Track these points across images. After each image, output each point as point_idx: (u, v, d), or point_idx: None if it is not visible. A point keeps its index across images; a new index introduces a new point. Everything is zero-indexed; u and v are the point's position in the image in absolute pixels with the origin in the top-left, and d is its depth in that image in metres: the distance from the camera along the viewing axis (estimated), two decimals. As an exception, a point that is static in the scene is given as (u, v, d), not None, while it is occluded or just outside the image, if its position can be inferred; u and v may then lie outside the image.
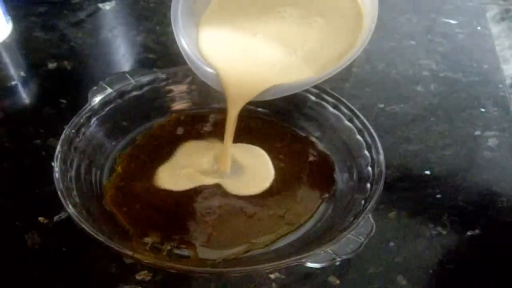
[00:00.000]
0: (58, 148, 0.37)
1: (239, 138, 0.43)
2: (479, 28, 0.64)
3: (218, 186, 0.40)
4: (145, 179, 0.41)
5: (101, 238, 0.32)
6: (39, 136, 0.46)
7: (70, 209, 0.33)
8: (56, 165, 0.36)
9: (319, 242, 0.33)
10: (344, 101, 0.43)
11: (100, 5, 0.66)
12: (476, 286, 0.37)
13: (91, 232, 0.32)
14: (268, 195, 0.40)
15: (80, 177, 0.38)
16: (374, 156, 0.39)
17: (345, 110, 0.43)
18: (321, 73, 0.36)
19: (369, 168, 0.39)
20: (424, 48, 0.60)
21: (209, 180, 0.40)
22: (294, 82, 0.37)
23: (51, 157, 0.37)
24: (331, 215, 0.39)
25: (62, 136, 0.38)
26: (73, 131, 0.39)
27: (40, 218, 0.39)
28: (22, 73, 0.55)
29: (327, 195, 0.40)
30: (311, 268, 0.33)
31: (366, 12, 0.37)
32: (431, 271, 0.37)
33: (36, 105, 0.51)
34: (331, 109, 0.44)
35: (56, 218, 0.39)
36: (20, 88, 0.53)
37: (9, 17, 0.60)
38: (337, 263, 0.36)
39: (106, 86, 0.43)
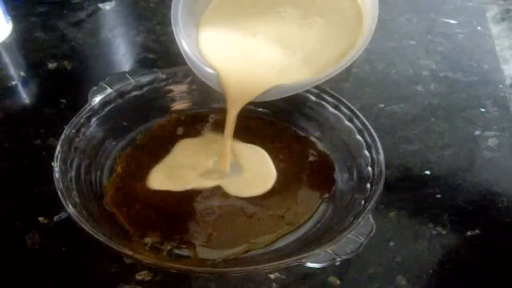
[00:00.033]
0: (58, 148, 0.37)
1: (239, 137, 0.43)
2: (479, 28, 0.64)
3: (218, 187, 0.40)
4: (145, 179, 0.40)
5: (101, 238, 0.32)
6: (39, 136, 0.46)
7: (70, 209, 0.33)
8: (56, 165, 0.36)
9: (319, 242, 0.33)
10: (344, 101, 0.43)
11: (100, 5, 0.66)
12: (476, 286, 0.37)
13: (91, 232, 0.32)
14: (268, 195, 0.40)
15: (80, 177, 0.38)
16: (374, 156, 0.39)
17: (345, 110, 0.43)
18: (321, 73, 0.36)
19: (369, 168, 0.39)
20: (424, 48, 0.60)
21: (208, 183, 0.40)
22: (294, 83, 0.37)
23: (51, 157, 0.37)
24: (331, 215, 0.39)
25: (62, 136, 0.38)
26: (73, 131, 0.39)
27: (40, 218, 0.39)
28: (22, 73, 0.55)
29: (327, 195, 0.40)
30: (311, 268, 0.33)
31: (366, 12, 0.37)
32: (431, 271, 0.37)
33: (36, 105, 0.51)
34: (331, 109, 0.44)
35: (56, 218, 0.39)
36: (20, 88, 0.53)
37: (9, 17, 0.60)
38: (337, 263, 0.36)
39: (106, 86, 0.43)
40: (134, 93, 0.44)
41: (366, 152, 0.40)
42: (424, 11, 0.67)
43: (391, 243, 0.38)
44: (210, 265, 0.35)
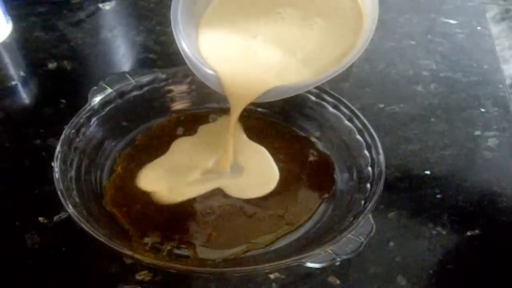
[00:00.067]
0: (58, 148, 0.37)
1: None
2: (479, 28, 0.64)
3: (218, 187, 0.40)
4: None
5: (101, 238, 0.32)
6: (39, 136, 0.46)
7: (70, 209, 0.33)
8: (56, 165, 0.36)
9: (319, 242, 0.33)
10: (344, 101, 0.43)
11: (100, 5, 0.66)
12: (476, 286, 0.37)
13: (91, 232, 0.32)
14: (268, 195, 0.40)
15: (80, 177, 0.38)
16: (374, 156, 0.39)
17: (345, 110, 0.43)
18: (322, 74, 0.36)
19: (369, 168, 0.39)
20: (424, 48, 0.60)
21: (208, 186, 0.40)
22: (295, 83, 0.37)
23: (51, 157, 0.37)
24: (331, 215, 0.39)
25: (62, 136, 0.38)
26: (73, 131, 0.39)
27: (40, 218, 0.39)
28: (22, 73, 0.55)
29: (327, 195, 0.40)
30: (311, 268, 0.33)
31: (366, 12, 0.37)
32: (431, 271, 0.37)
33: (36, 105, 0.51)
34: (331, 109, 0.44)
35: (56, 218, 0.39)
36: (20, 88, 0.53)
37: (9, 17, 0.60)
38: (337, 263, 0.36)
39: (106, 86, 0.43)
40: (134, 93, 0.44)
41: (366, 152, 0.40)
42: (424, 11, 0.67)
43: (391, 243, 0.38)
44: (210, 265, 0.35)
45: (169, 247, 0.35)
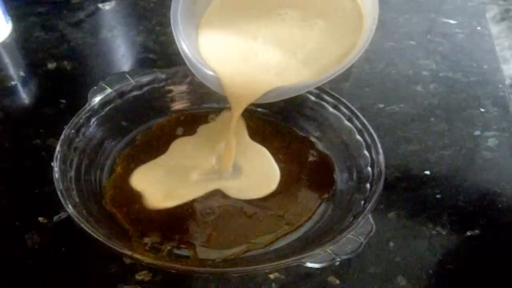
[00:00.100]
0: (58, 148, 0.37)
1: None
2: (479, 28, 0.64)
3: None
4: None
5: (101, 238, 0.32)
6: (39, 136, 0.46)
7: (70, 209, 0.33)
8: (55, 165, 0.36)
9: (319, 242, 0.33)
10: (344, 101, 0.43)
11: (100, 5, 0.66)
12: (476, 286, 0.37)
13: (91, 232, 0.32)
14: (268, 195, 0.40)
15: (80, 177, 0.38)
16: (374, 156, 0.39)
17: (345, 110, 0.43)
18: (322, 75, 0.36)
19: (369, 168, 0.39)
20: (424, 48, 0.60)
21: (207, 188, 0.40)
22: (295, 84, 0.37)
23: (51, 157, 0.37)
24: (330, 215, 0.39)
25: (62, 136, 0.38)
26: (72, 131, 0.39)
27: (40, 218, 0.39)
28: (22, 73, 0.55)
29: (326, 195, 0.40)
30: (311, 268, 0.33)
31: (366, 13, 0.37)
32: (431, 271, 0.37)
33: (35, 105, 0.51)
34: (330, 109, 0.44)
35: (56, 218, 0.39)
36: (20, 88, 0.53)
37: (9, 17, 0.60)
38: (337, 263, 0.36)
39: (106, 86, 0.43)
40: (134, 93, 0.44)
41: (365, 152, 0.40)
42: (423, 11, 0.67)
43: (391, 243, 0.38)
44: (210, 265, 0.35)
45: (169, 247, 0.35)
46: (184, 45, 0.38)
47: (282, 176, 0.41)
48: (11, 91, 0.52)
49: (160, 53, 0.58)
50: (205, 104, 0.47)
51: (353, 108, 0.42)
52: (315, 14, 0.39)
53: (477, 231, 0.39)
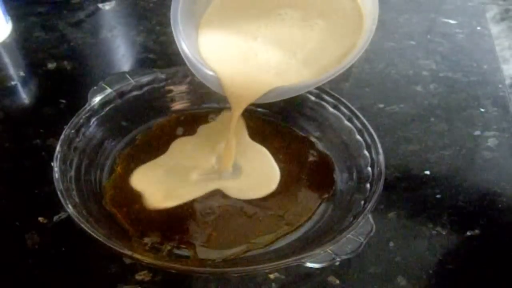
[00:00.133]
0: (58, 148, 0.37)
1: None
2: (478, 28, 0.64)
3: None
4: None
5: (101, 238, 0.32)
6: (39, 136, 0.46)
7: (70, 209, 0.33)
8: (55, 165, 0.36)
9: (319, 242, 0.33)
10: (344, 101, 0.43)
11: (100, 5, 0.66)
12: (476, 286, 0.37)
13: (91, 232, 0.32)
14: (268, 195, 0.40)
15: (79, 177, 0.38)
16: (374, 156, 0.39)
17: (345, 110, 0.43)
18: (322, 75, 0.36)
19: (369, 168, 0.39)
20: (424, 48, 0.60)
21: (207, 188, 0.40)
22: (296, 84, 0.37)
23: (51, 157, 0.37)
24: (330, 215, 0.39)
25: (62, 136, 0.38)
26: (72, 131, 0.39)
27: (40, 218, 0.39)
28: (22, 73, 0.55)
29: (326, 195, 0.40)
30: (311, 268, 0.33)
31: (366, 13, 0.37)
32: (430, 271, 0.37)
33: (35, 105, 0.51)
34: (330, 109, 0.44)
35: (55, 218, 0.39)
36: (20, 88, 0.53)
37: (9, 17, 0.60)
38: (337, 263, 0.36)
39: (106, 86, 0.43)
40: (134, 93, 0.44)
41: (365, 152, 0.40)
42: (423, 11, 0.67)
43: (391, 243, 0.38)
44: (210, 265, 0.35)
45: (169, 247, 0.35)
46: (184, 45, 0.38)
47: (282, 176, 0.41)
48: (11, 91, 0.52)
49: (160, 53, 0.58)
50: (205, 104, 0.47)
51: (353, 108, 0.42)
52: (315, 14, 0.39)
53: (477, 231, 0.39)
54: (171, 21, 0.37)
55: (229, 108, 0.39)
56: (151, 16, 0.64)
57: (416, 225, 0.40)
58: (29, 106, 0.51)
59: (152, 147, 0.43)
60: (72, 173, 0.38)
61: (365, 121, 0.41)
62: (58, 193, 0.34)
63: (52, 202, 0.35)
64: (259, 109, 0.46)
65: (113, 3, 0.66)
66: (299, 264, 0.32)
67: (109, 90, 0.43)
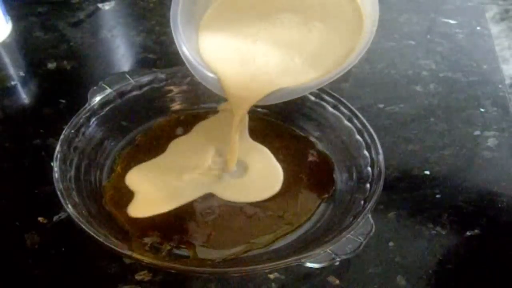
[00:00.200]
0: (58, 148, 0.37)
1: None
2: (478, 28, 0.64)
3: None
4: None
5: (100, 238, 0.32)
6: (39, 136, 0.46)
7: (70, 209, 0.33)
8: (55, 165, 0.36)
9: (319, 242, 0.33)
10: (344, 101, 0.43)
11: (100, 5, 0.66)
12: (476, 286, 0.37)
13: (91, 232, 0.32)
14: (268, 195, 0.40)
15: (79, 177, 0.38)
16: (374, 156, 0.39)
17: (345, 110, 0.43)
18: (322, 77, 0.36)
19: (369, 168, 0.39)
20: (424, 48, 0.60)
21: (202, 190, 0.40)
22: (296, 86, 0.37)
23: (50, 157, 0.37)
24: (330, 215, 0.39)
25: (62, 136, 0.38)
26: (72, 131, 0.39)
27: (40, 218, 0.39)
28: (22, 73, 0.55)
29: (326, 195, 0.40)
30: (310, 268, 0.33)
31: (366, 14, 0.37)
32: (430, 271, 0.37)
33: (35, 105, 0.51)
34: (330, 109, 0.44)
35: (55, 218, 0.39)
36: (20, 88, 0.53)
37: (9, 17, 0.60)
38: (337, 263, 0.36)
39: (106, 86, 0.43)
40: (134, 93, 0.44)
41: (365, 152, 0.40)
42: (423, 11, 0.67)
43: (391, 243, 0.38)
44: (209, 265, 0.35)
45: (168, 247, 0.35)
46: (184, 48, 0.37)
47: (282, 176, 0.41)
48: (11, 91, 0.52)
49: (160, 53, 0.58)
50: (205, 104, 0.47)
51: (353, 108, 0.42)
52: (314, 17, 0.39)
53: (477, 231, 0.39)
54: (171, 24, 0.37)
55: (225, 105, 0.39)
56: (151, 16, 0.64)
57: (416, 225, 0.40)
58: (29, 106, 0.51)
59: (152, 147, 0.43)
60: (72, 173, 0.38)
61: (365, 121, 0.41)
62: (58, 193, 0.34)
63: (52, 202, 0.35)
64: (259, 109, 0.46)
65: (112, 3, 0.66)
66: (299, 264, 0.32)
67: (109, 90, 0.43)
